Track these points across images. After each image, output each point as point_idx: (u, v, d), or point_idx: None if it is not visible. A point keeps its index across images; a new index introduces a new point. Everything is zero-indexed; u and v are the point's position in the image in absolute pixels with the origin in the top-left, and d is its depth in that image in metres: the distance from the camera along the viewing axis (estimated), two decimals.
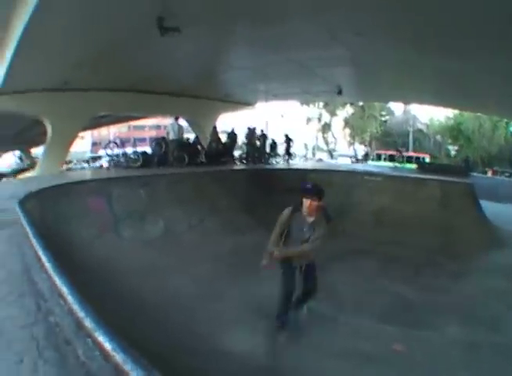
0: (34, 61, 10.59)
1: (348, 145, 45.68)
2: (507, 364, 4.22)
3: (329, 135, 45.42)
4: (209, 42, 10.86)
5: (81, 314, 1.67)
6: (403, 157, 27.16)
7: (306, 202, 4.17)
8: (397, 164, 23.53)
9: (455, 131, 39.51)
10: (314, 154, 41.97)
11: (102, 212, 7.31)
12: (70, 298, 1.79)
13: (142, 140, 32.32)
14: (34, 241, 2.88)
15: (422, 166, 20.65)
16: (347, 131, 44.49)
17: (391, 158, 27.75)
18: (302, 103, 36.37)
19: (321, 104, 40.79)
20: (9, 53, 10.63)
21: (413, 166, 24.10)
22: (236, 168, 14.04)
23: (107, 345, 1.48)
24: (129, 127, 46.10)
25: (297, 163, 20.52)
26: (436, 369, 4.08)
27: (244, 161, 15.87)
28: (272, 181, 12.36)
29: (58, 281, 1.99)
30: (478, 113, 31.90)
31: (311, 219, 4.25)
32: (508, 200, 15.50)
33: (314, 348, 4.23)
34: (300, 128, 40.64)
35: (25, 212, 4.13)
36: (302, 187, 4.30)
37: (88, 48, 10.21)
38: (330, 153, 44.04)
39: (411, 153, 31.84)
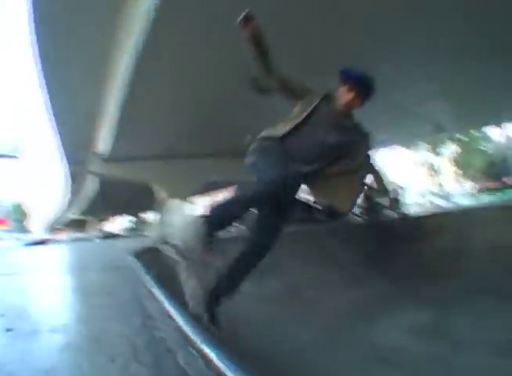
0: (137, 131, 11.53)
1: (457, 184, 42.74)
2: None
3: (438, 178, 43.05)
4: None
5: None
6: None
7: (345, 95, 2.80)
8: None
9: None
10: (426, 199, 39.80)
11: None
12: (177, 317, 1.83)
13: None
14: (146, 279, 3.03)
15: None
16: (455, 169, 41.89)
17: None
18: (408, 148, 35.51)
19: (425, 146, 39.29)
20: (113, 125, 11.84)
21: None
22: (355, 222, 13.92)
23: (211, 354, 1.45)
24: None
25: (411, 210, 19.77)
26: None
27: (359, 214, 15.54)
28: (389, 231, 11.78)
29: (167, 304, 2.06)
30: None
31: (342, 122, 2.85)
32: None
33: None
34: (409, 174, 39.39)
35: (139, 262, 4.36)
36: (344, 72, 2.89)
37: (191, 113, 10.81)
38: (445, 196, 41.53)
39: None
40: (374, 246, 10.94)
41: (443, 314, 6.46)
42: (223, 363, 1.39)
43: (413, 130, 17.97)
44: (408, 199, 20.90)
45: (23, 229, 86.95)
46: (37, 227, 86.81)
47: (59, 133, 19.52)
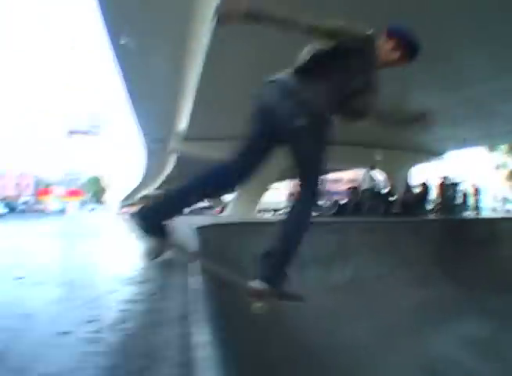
0: (213, 112, 11.95)
1: None
2: None
3: None
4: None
5: None
6: None
7: (389, 53, 2.56)
8: None
9: None
10: (504, 204, 37.38)
11: None
12: None
13: (338, 193, 32.76)
14: None
15: None
16: None
17: None
18: (489, 150, 33.62)
19: (506, 148, 36.84)
20: (192, 106, 12.38)
21: None
22: (428, 219, 13.60)
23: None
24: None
25: (488, 214, 18.88)
26: None
27: (436, 212, 15.50)
28: (464, 233, 11.49)
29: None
30: None
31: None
32: None
33: None
34: (488, 176, 37.22)
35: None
36: (395, 29, 2.63)
37: None
38: None
39: None
40: (446, 245, 10.60)
41: (504, 329, 6.22)
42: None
43: (493, 130, 16.99)
44: (483, 202, 19.90)
45: (99, 202, 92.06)
46: (113, 201, 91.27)
47: (139, 112, 20.49)
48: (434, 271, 9.25)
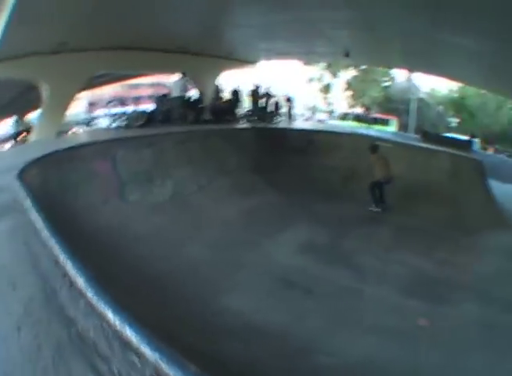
0: (28, 24, 9.96)
1: (348, 107, 44.99)
2: None
3: (329, 97, 44.70)
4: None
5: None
6: (372, 118, 27.65)
7: None
8: (362, 125, 23.89)
9: (458, 105, 39.36)
10: (313, 114, 41.31)
11: (108, 176, 6.94)
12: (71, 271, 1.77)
13: (139, 99, 31.47)
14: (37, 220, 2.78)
15: (424, 134, 20.66)
16: (348, 93, 43.82)
17: (358, 118, 27.93)
18: (305, 63, 35.60)
19: (323, 65, 39.92)
20: (2, 19, 10.04)
21: (388, 128, 25.23)
22: (241, 126, 13.86)
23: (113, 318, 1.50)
24: (124, 86, 44.25)
25: (300, 123, 20.33)
26: (456, 345, 4.19)
27: (248, 120, 15.45)
28: (278, 141, 12.28)
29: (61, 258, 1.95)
30: (483, 91, 31.67)
31: None
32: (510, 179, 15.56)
33: (341, 322, 4.31)
34: (301, 87, 39.99)
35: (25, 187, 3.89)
36: None
37: (84, 4, 9.68)
38: (330, 113, 43.45)
39: (377, 115, 31.68)
40: (265, 153, 11.21)
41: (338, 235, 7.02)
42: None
43: (316, 49, 17.94)
44: (295, 111, 21.32)
45: None
46: None
47: None
48: (255, 179, 9.81)
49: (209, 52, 17.90)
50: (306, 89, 42.74)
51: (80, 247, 2.29)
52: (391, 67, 30.86)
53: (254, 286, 4.86)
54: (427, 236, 7.72)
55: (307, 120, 29.41)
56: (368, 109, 27.70)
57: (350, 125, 24.51)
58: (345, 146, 11.85)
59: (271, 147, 11.67)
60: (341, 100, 44.76)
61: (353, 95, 43.62)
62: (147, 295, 3.75)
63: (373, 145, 10.16)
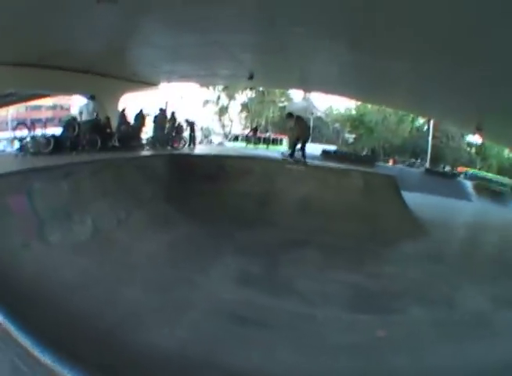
0: None
1: (243, 128, 45.94)
2: (473, 334, 4.92)
3: (225, 118, 45.39)
4: (123, 18, 10.06)
5: None
6: (259, 138, 28.60)
7: None
8: (250, 145, 24.96)
9: (357, 122, 42.23)
10: (206, 137, 41.56)
11: (25, 214, 5.96)
12: None
13: (39, 121, 29.34)
14: None
15: (326, 153, 21.65)
16: (244, 114, 44.86)
17: (248, 139, 28.61)
18: (202, 85, 35.92)
19: (220, 87, 40.53)
20: None
21: (281, 147, 26.19)
22: (152, 153, 13.37)
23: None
24: (27, 107, 40.98)
25: (204, 148, 20.37)
26: (418, 346, 4.45)
27: (154, 145, 14.98)
28: (190, 168, 11.95)
29: None
30: (384, 107, 34.36)
31: None
32: (413, 188, 16.94)
33: (310, 349, 4.25)
34: (197, 110, 40.15)
35: None
36: None
37: None
38: (226, 136, 44.07)
39: (268, 135, 33.66)
40: (178, 181, 10.92)
41: (269, 262, 6.96)
42: None
43: (222, 71, 18.21)
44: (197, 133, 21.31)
45: None
46: None
47: None
48: (171, 209, 9.42)
49: (113, 72, 17.25)
50: (202, 112, 43.05)
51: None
52: (289, 88, 32.19)
53: (208, 328, 4.53)
54: (353, 253, 8.03)
55: (208, 143, 29.63)
56: (256, 130, 28.18)
57: (241, 146, 25.02)
58: (256, 170, 11.96)
59: (183, 175, 11.37)
60: (237, 122, 45.78)
61: (248, 117, 44.81)
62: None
63: (289, 113, 13.50)
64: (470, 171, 31.71)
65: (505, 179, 32.01)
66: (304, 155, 12.41)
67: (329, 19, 9.35)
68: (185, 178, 11.18)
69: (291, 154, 12.42)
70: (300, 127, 12.43)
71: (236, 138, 32.25)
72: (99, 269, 5.64)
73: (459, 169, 33.12)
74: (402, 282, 6.69)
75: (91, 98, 12.02)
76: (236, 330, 4.50)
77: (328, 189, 11.11)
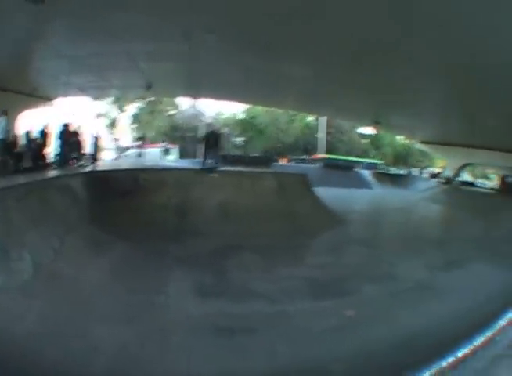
0: None
1: (133, 140, 44.69)
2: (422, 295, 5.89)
3: (116, 131, 43.90)
4: (32, 23, 9.60)
5: None
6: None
7: None
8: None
9: (246, 125, 43.14)
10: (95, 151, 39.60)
11: None
12: None
13: None
14: None
15: (224, 157, 22.08)
16: (134, 126, 43.79)
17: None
18: (96, 99, 34.54)
19: (110, 100, 39.12)
20: None
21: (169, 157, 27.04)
22: (67, 172, 12.35)
23: None
24: None
25: (112, 163, 19.70)
26: (384, 316, 5.17)
27: (61, 163, 13.61)
28: (109, 185, 11.30)
29: None
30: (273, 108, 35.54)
31: None
32: (317, 183, 18.04)
33: (294, 339, 4.60)
34: (89, 124, 38.45)
35: None
36: None
37: None
38: (119, 149, 42.58)
39: (156, 144, 32.96)
40: (99, 200, 10.49)
41: (216, 271, 7.07)
42: None
43: (120, 82, 17.88)
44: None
45: None
46: None
47: None
48: (101, 231, 8.89)
49: (14, 87, 16.08)
50: (94, 125, 41.30)
51: None
52: (184, 96, 31.77)
53: (201, 346, 4.45)
54: (287, 250, 8.44)
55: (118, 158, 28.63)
56: (142, 139, 27.73)
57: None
58: (170, 181, 11.90)
59: (103, 192, 10.68)
60: (127, 134, 44.48)
61: (138, 128, 43.78)
62: None
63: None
64: (327, 156, 33.63)
65: (353, 158, 35.41)
66: (216, 162, 12.78)
67: (229, 26, 9.81)
68: (106, 195, 10.60)
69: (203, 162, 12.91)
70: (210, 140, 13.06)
71: (125, 150, 31.55)
72: (52, 309, 5.07)
73: (314, 156, 35.06)
74: (343, 267, 7.34)
75: (3, 113, 10.99)
76: (229, 341, 4.55)
77: (246, 192, 11.44)
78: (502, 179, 25.52)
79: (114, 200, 10.47)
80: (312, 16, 8.86)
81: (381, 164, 37.87)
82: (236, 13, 8.92)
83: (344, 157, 32.81)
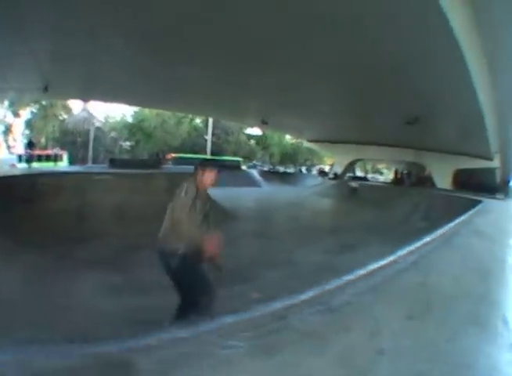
0: None
1: (25, 147, 41.39)
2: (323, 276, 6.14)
3: (10, 138, 40.36)
4: None
5: None
6: (39, 156, 27.71)
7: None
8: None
9: (134, 129, 42.13)
10: None
11: None
12: None
13: None
14: None
15: (111, 161, 21.54)
16: (28, 132, 40.61)
17: (26, 159, 26.08)
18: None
19: (4, 105, 35.96)
20: None
21: (61, 163, 26.39)
22: None
23: None
24: None
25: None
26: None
27: None
28: (4, 191, 10.61)
29: None
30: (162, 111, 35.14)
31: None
32: None
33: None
34: None
35: None
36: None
37: None
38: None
39: (43, 152, 31.57)
40: None
41: (124, 269, 6.97)
42: None
43: (18, 84, 16.94)
44: None
45: None
46: None
47: None
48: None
49: None
50: None
51: None
52: (80, 98, 30.15)
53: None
54: None
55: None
56: (31, 146, 26.13)
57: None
58: (67, 185, 11.55)
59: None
60: (21, 141, 41.07)
61: (31, 134, 40.75)
62: None
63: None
64: (177, 155, 33.84)
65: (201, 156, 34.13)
66: None
67: (130, 28, 9.75)
68: (2, 202, 10.02)
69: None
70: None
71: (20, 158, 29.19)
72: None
73: (168, 156, 34.71)
74: (244, 257, 7.59)
75: None
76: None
77: (141, 194, 11.60)
78: (396, 173, 28.21)
79: (15, 206, 9.73)
80: (201, 21, 9.13)
81: (240, 161, 38.90)
82: (137, 15, 8.90)
83: (191, 155, 32.79)
